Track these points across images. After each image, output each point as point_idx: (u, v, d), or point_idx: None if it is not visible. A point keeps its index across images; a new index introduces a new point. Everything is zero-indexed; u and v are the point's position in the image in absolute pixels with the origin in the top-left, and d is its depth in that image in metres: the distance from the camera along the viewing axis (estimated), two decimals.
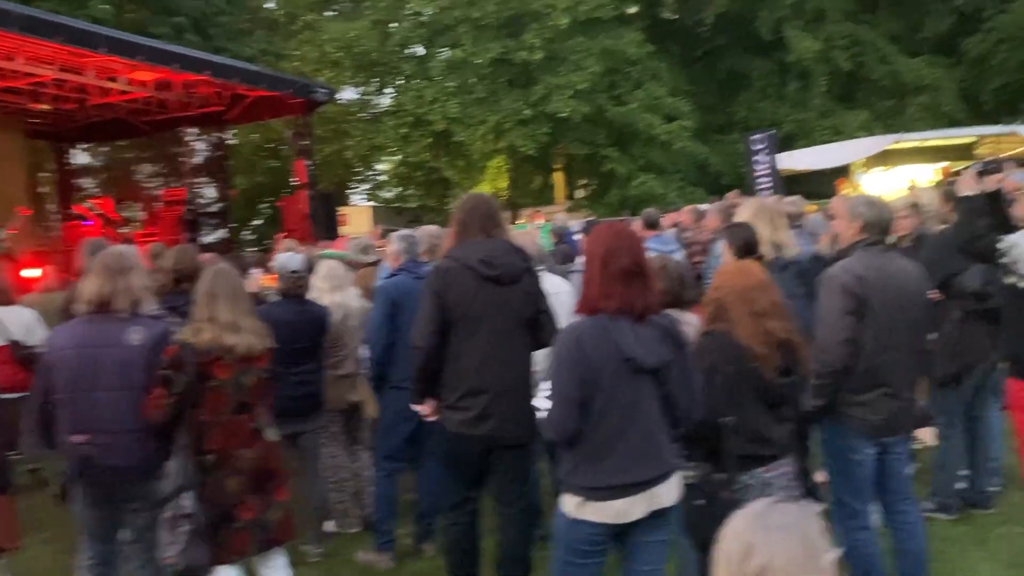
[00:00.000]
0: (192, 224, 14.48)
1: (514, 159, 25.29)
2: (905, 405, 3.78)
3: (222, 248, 13.56)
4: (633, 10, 25.21)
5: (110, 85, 13.07)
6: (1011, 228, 4.25)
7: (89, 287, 3.66)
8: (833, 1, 23.81)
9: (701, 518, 3.15)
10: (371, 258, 6.75)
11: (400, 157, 26.48)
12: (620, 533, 3.11)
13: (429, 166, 26.24)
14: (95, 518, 3.75)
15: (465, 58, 22.13)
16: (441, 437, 3.96)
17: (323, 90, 15.18)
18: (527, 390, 3.78)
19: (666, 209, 11.72)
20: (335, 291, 5.34)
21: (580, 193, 27.64)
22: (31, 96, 13.42)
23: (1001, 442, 5.44)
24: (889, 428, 3.74)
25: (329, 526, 5.34)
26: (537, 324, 3.87)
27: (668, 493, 3.08)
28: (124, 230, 13.59)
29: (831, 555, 1.48)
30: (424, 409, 4.00)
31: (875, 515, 3.99)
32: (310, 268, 5.54)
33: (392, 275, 5.03)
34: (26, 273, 9.52)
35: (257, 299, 5.58)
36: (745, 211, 5.19)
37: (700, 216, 8.88)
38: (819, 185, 16.26)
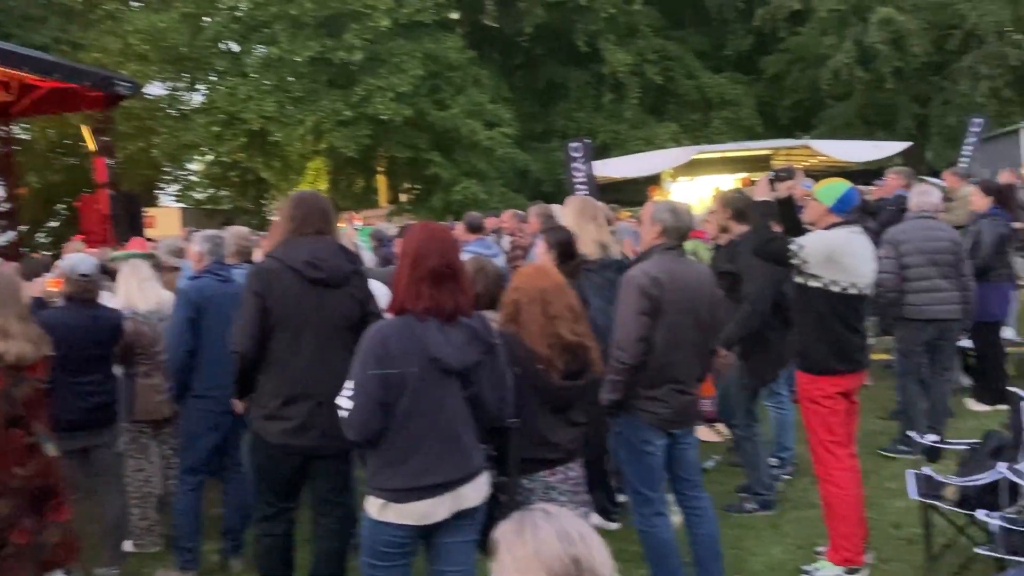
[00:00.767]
0: None
1: (334, 161, 24.83)
2: (692, 399, 4.03)
3: (9, 251, 12.42)
4: (455, 16, 25.37)
5: None
6: (801, 231, 4.55)
7: None
8: (645, 17, 24.94)
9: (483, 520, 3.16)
10: (182, 261, 6.38)
11: (213, 157, 25.34)
12: (426, 535, 3.07)
13: (244, 166, 25.28)
14: None
15: (282, 56, 21.43)
16: (254, 447, 3.77)
17: (126, 84, 14.20)
18: None
19: (488, 214, 11.81)
20: (146, 294, 5.00)
21: (404, 197, 27.50)
22: None
23: (793, 433, 5.83)
24: (678, 421, 3.95)
25: (127, 545, 5.01)
26: (364, 328, 3.75)
27: (474, 494, 3.07)
28: None
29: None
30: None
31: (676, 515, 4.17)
32: (105, 271, 5.15)
33: (195, 278, 4.75)
34: None
35: (42, 303, 5.16)
36: (571, 209, 5.26)
37: (522, 220, 8.99)
38: (633, 193, 16.94)
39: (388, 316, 3.20)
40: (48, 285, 5.55)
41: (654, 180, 17.19)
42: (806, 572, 4.38)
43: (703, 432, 6.58)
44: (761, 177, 4.66)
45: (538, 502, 3.17)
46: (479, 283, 3.81)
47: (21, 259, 9.12)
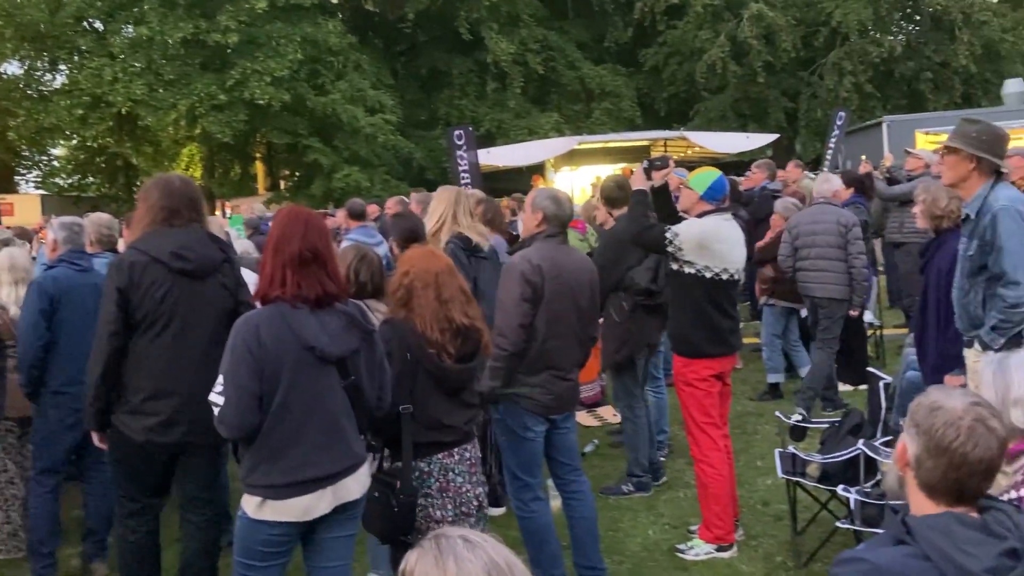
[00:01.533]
0: None
1: (209, 147, 23.96)
2: (571, 385, 4.07)
3: None
4: (335, 0, 24.87)
5: None
6: (676, 219, 4.66)
7: None
8: (527, 6, 25.08)
9: (379, 510, 3.10)
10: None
11: (77, 141, 24.04)
12: (305, 531, 2.98)
13: (112, 152, 24.10)
14: None
15: (152, 36, 20.47)
16: (116, 444, 3.58)
17: None
18: None
19: (371, 201, 11.65)
20: (18, 285, 4.67)
21: (283, 184, 26.83)
22: None
23: (667, 415, 5.99)
24: (557, 407, 3.99)
25: None
26: (237, 318, 3.60)
27: (355, 486, 3.00)
28: None
29: None
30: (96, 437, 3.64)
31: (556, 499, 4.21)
32: None
33: (50, 268, 4.47)
34: None
35: None
36: (442, 198, 5.19)
37: (405, 207, 8.89)
38: (516, 182, 17.02)
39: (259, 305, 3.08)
40: None
41: (537, 169, 17.33)
42: (680, 551, 4.50)
43: (582, 417, 6.69)
44: (637, 167, 4.74)
45: (436, 484, 3.16)
46: (362, 272, 3.73)
47: None
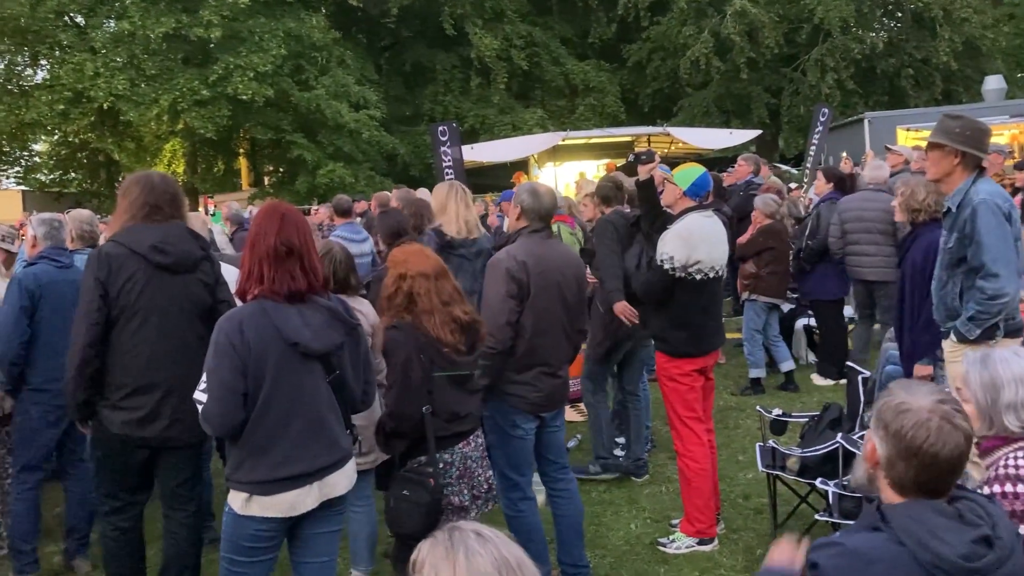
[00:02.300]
0: None
1: (192, 142, 23.83)
2: (561, 382, 4.04)
3: None
4: None
5: None
6: (661, 212, 4.69)
7: None
8: (511, 2, 25.06)
9: (411, 509, 3.16)
10: (14, 247, 5.95)
11: (58, 136, 23.84)
12: (291, 527, 2.99)
13: (94, 147, 23.93)
14: None
15: (134, 31, 20.33)
16: (97, 439, 3.57)
17: None
18: None
19: (356, 198, 11.63)
20: None
21: (267, 180, 26.71)
22: None
23: (650, 410, 6.02)
24: (547, 404, 3.97)
25: None
26: (215, 315, 3.59)
27: (342, 481, 3.01)
28: None
29: None
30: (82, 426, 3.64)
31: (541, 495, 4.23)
32: None
33: (30, 264, 4.45)
34: None
35: None
36: (440, 194, 5.17)
37: (385, 204, 8.90)
38: (500, 178, 17.04)
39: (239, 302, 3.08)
40: None
41: (521, 165, 17.33)
42: (662, 544, 4.53)
43: (566, 412, 6.71)
44: (622, 162, 4.76)
45: (456, 472, 3.24)
46: (326, 266, 3.73)
47: None
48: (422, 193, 7.96)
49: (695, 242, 4.33)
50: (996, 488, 2.28)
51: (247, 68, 20.51)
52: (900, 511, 1.80)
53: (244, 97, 20.55)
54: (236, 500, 2.90)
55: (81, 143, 23.93)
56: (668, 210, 4.66)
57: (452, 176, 14.20)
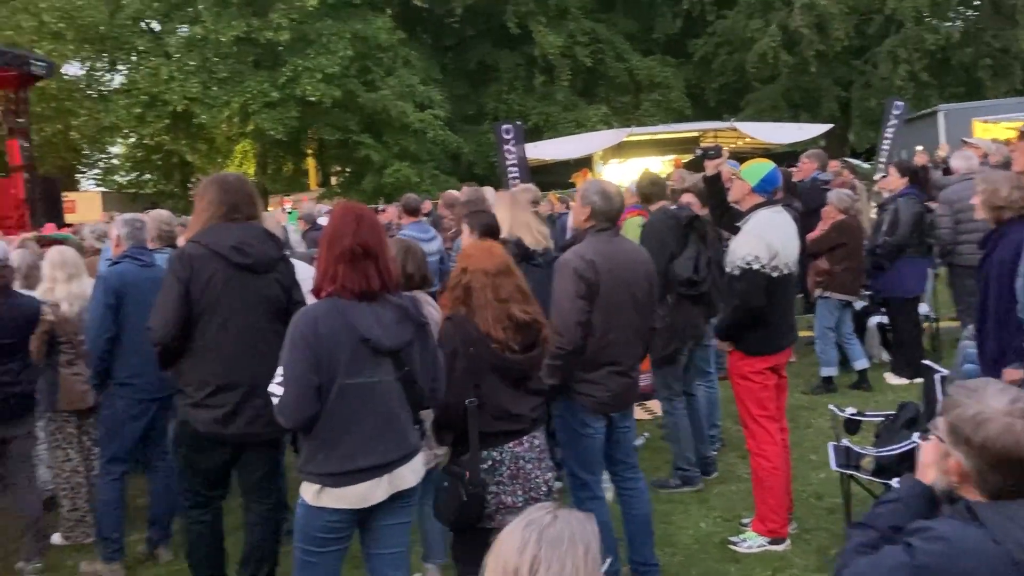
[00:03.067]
0: None
1: (262, 143, 24.36)
2: (631, 382, 4.00)
3: None
4: None
5: None
6: (728, 208, 4.64)
7: None
8: None
9: (449, 500, 3.16)
10: (104, 245, 6.19)
11: (135, 139, 24.62)
12: (362, 519, 3.05)
13: (168, 149, 24.64)
14: None
15: (206, 36, 20.90)
16: (181, 436, 3.69)
17: (41, 63, 13.72)
18: None
19: (424, 197, 11.77)
20: (71, 280, 4.85)
21: (334, 180, 27.13)
22: None
23: (719, 409, 5.96)
24: (616, 404, 3.94)
25: (56, 538, 4.93)
26: (290, 316, 3.67)
27: (410, 474, 3.06)
28: None
29: (605, 565, 1.53)
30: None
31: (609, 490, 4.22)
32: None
33: (115, 263, 4.61)
34: None
35: None
36: (501, 204, 5.16)
37: (452, 203, 8.97)
38: (564, 175, 17.02)
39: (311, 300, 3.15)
40: None
41: (585, 162, 17.28)
42: (733, 543, 4.49)
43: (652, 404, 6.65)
44: (688, 158, 4.73)
45: (507, 472, 3.22)
46: (408, 264, 3.79)
47: None
48: (487, 192, 8.00)
49: (770, 238, 4.26)
50: None
51: (315, 70, 20.89)
52: (996, 511, 1.78)
53: (312, 99, 20.95)
54: (308, 492, 2.97)
55: (156, 145, 24.65)
56: (735, 206, 4.60)
57: (517, 174, 14.26)
